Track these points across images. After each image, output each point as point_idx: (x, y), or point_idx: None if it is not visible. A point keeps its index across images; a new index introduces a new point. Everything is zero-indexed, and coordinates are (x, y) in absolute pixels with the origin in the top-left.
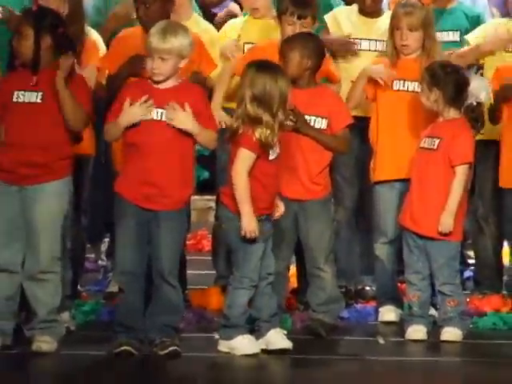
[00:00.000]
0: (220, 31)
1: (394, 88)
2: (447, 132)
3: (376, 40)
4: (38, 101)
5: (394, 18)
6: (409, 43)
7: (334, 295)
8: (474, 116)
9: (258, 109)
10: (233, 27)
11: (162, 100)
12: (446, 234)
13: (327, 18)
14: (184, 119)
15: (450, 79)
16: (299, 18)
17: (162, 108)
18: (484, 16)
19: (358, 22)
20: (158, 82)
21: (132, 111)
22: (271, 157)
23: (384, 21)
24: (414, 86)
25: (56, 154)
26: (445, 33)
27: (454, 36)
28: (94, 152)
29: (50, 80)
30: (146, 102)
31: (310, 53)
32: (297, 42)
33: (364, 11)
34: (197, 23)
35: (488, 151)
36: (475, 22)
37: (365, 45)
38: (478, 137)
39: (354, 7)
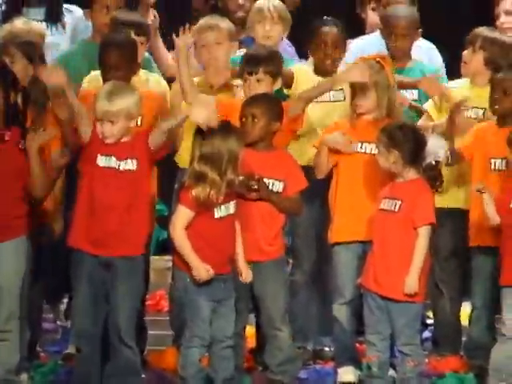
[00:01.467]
0: None
1: (356, 150)
2: (407, 194)
3: (334, 101)
4: None
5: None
6: (361, 103)
7: (291, 355)
8: (433, 175)
9: (204, 167)
10: None
11: (119, 151)
12: (410, 295)
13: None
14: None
15: (408, 140)
16: (250, 74)
17: (118, 159)
18: (441, 70)
19: (315, 82)
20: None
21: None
22: (217, 215)
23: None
24: (371, 148)
25: (14, 214)
26: (403, 91)
27: (413, 94)
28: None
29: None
30: None
31: (277, 115)
32: (263, 104)
33: (320, 70)
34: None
35: (445, 217)
36: None
37: (324, 97)
38: (439, 204)
39: (309, 66)
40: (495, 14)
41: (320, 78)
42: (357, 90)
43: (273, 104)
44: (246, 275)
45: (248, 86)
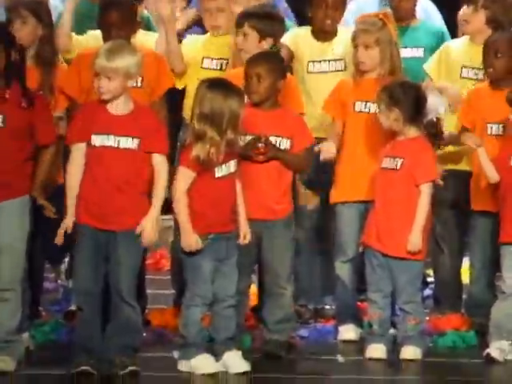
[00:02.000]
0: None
1: (356, 109)
2: (409, 151)
3: (334, 60)
4: (0, 124)
5: (352, 35)
6: (364, 60)
7: (289, 314)
8: (434, 132)
9: (204, 126)
10: (192, 42)
11: (117, 127)
12: (413, 253)
13: (287, 38)
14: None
15: (408, 97)
16: (237, 26)
17: (119, 135)
18: (447, 34)
19: (314, 46)
20: (107, 102)
21: None
22: (218, 174)
23: (339, 41)
24: (375, 108)
25: (18, 174)
26: (408, 49)
27: (417, 52)
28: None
29: (13, 97)
30: None
31: (282, 74)
32: (269, 63)
33: (318, 34)
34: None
35: (447, 177)
36: (438, 38)
37: (324, 66)
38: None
39: (308, 32)
40: None
41: (319, 43)
42: (359, 47)
43: (276, 62)
44: (245, 236)
45: (243, 41)
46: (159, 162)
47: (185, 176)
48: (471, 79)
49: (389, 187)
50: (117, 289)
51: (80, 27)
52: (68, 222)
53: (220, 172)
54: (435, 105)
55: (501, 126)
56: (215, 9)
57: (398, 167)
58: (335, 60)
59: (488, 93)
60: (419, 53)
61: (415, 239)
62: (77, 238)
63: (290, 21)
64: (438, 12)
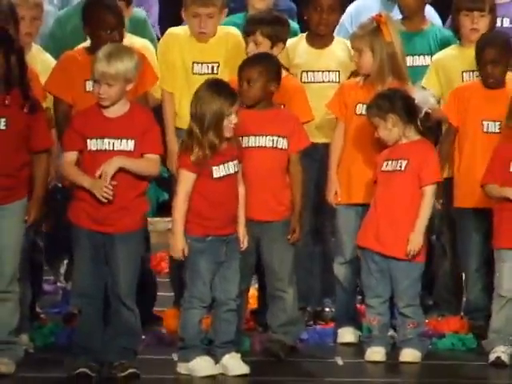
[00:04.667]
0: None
1: (357, 112)
2: (413, 153)
3: (329, 71)
4: (2, 127)
5: (349, 40)
6: (359, 64)
7: (294, 317)
8: (430, 125)
9: (192, 124)
10: (175, 46)
11: (111, 129)
12: (413, 253)
13: None
14: (108, 168)
15: (396, 100)
16: (247, 34)
17: (114, 137)
18: (454, 39)
19: (308, 54)
20: (105, 107)
21: (89, 184)
22: (215, 175)
23: (333, 50)
24: None
25: (19, 177)
26: (416, 57)
27: (424, 60)
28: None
29: (14, 101)
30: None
31: (274, 76)
32: (261, 65)
33: (313, 39)
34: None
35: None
36: (445, 45)
37: (318, 77)
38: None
39: (302, 39)
40: None
41: (314, 50)
42: (354, 52)
43: (269, 64)
44: (242, 243)
45: (246, 47)
46: (151, 161)
47: (185, 178)
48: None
49: (392, 188)
50: (115, 291)
51: (75, 39)
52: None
53: (218, 173)
54: (425, 97)
55: (497, 123)
56: (206, 15)
57: (402, 168)
58: (329, 71)
59: (480, 91)
60: (426, 61)
61: (416, 239)
62: (75, 241)
63: (293, 22)
64: (438, 17)
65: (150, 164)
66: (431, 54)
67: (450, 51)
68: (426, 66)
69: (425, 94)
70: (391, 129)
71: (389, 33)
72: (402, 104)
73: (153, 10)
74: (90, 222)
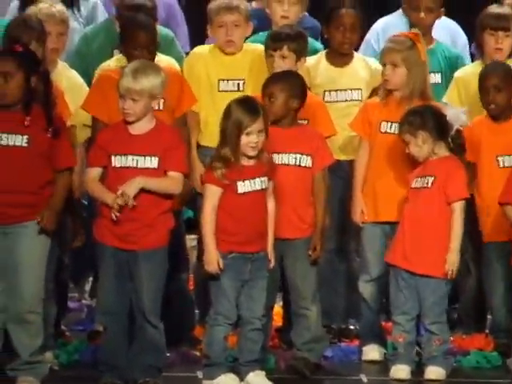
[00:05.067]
0: (185, 63)
1: (381, 130)
2: (441, 170)
3: (352, 89)
4: (24, 144)
5: (381, 53)
6: (389, 78)
7: (318, 334)
8: (461, 142)
9: (220, 142)
10: (201, 62)
11: (136, 146)
12: (451, 272)
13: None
14: (128, 189)
15: (428, 117)
16: (274, 50)
17: (138, 155)
18: (463, 58)
19: (330, 73)
20: (131, 123)
21: (112, 201)
22: (240, 190)
23: (354, 68)
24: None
25: (41, 194)
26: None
27: (435, 78)
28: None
29: (36, 121)
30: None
31: (296, 93)
32: (283, 82)
33: (334, 57)
34: None
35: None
36: (453, 63)
37: (341, 96)
38: None
39: (322, 58)
40: None
41: (335, 69)
42: (387, 65)
43: (292, 81)
44: (271, 259)
45: (271, 62)
46: (174, 180)
47: (211, 193)
48: None
49: (419, 205)
50: (140, 308)
51: (101, 56)
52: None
53: (243, 188)
54: (456, 115)
55: None
56: (232, 23)
57: (429, 185)
58: (351, 89)
59: (490, 126)
60: (436, 78)
61: (454, 258)
62: (99, 258)
63: (316, 42)
64: (462, 32)
65: (172, 182)
66: (441, 71)
67: (472, 68)
68: (438, 84)
69: (456, 112)
70: (421, 146)
71: (424, 52)
72: (433, 121)
73: (180, 30)
74: (114, 239)
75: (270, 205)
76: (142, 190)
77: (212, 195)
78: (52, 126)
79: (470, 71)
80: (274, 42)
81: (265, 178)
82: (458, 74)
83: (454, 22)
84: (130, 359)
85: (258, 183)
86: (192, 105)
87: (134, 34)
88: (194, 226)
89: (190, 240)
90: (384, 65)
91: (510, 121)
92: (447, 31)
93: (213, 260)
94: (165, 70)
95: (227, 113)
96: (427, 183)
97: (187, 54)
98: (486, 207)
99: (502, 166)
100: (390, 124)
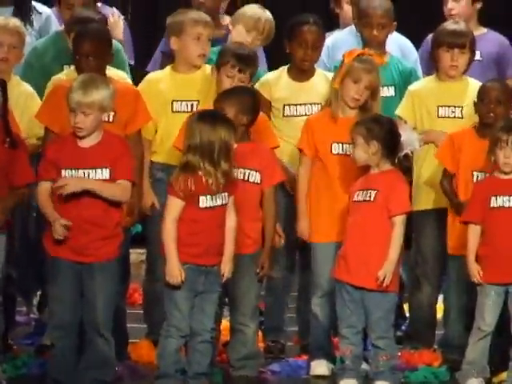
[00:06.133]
0: (142, 85)
1: (333, 152)
2: (383, 183)
3: (312, 104)
4: None
5: (351, 71)
6: (359, 98)
7: (254, 351)
8: (408, 165)
9: (195, 157)
10: (162, 82)
11: (86, 160)
12: (382, 284)
13: (259, 85)
14: (73, 183)
15: (386, 131)
16: (239, 71)
17: (88, 168)
18: (416, 71)
19: (290, 87)
20: (82, 137)
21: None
22: (202, 204)
23: (315, 83)
24: (345, 149)
25: None
26: (381, 88)
27: (389, 91)
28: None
29: None
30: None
31: (246, 108)
32: (233, 97)
33: (296, 73)
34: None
35: (433, 217)
36: (407, 76)
37: (300, 110)
38: (428, 206)
39: (283, 72)
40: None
41: (295, 83)
42: (358, 83)
43: (242, 97)
44: (224, 271)
45: (231, 82)
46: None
47: (174, 205)
48: (449, 117)
49: (362, 218)
50: (93, 322)
51: (58, 62)
52: (59, 222)
53: (205, 203)
54: (410, 139)
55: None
56: (206, 36)
57: (372, 199)
58: (311, 104)
59: (472, 140)
60: (390, 92)
61: (388, 267)
62: (54, 272)
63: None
64: (412, 48)
65: (119, 189)
66: (395, 84)
67: (427, 83)
68: (392, 97)
69: (412, 137)
70: (370, 154)
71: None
72: (390, 137)
73: (126, 43)
74: (69, 252)
75: (231, 219)
76: (93, 200)
77: (174, 207)
78: (10, 137)
79: (424, 86)
80: (242, 64)
81: (226, 194)
82: (412, 87)
83: (405, 38)
84: (78, 372)
85: (219, 198)
86: (146, 122)
87: (82, 42)
88: (142, 240)
89: (138, 254)
90: (354, 82)
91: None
92: (397, 47)
93: (175, 272)
94: (119, 83)
95: (208, 129)
96: (369, 197)
97: (131, 66)
98: (451, 221)
99: (476, 180)
100: (341, 145)
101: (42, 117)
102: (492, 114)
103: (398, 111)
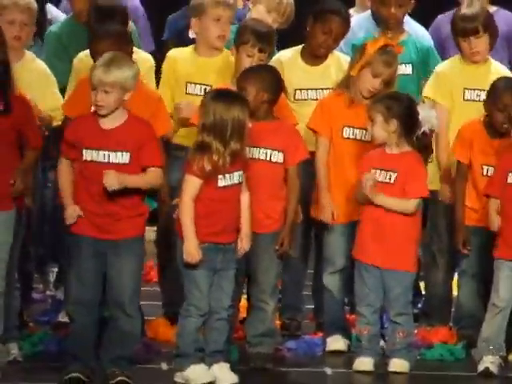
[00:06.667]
0: (165, 66)
1: (344, 136)
2: (402, 165)
3: (323, 89)
4: None
5: (372, 64)
6: (375, 91)
7: (271, 328)
8: (426, 144)
9: (208, 137)
10: (180, 62)
11: (107, 141)
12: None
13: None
14: (115, 180)
15: (405, 109)
16: (260, 51)
17: (109, 149)
18: (433, 49)
19: (303, 71)
20: (103, 116)
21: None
22: (220, 184)
23: (329, 67)
24: (362, 135)
25: (5, 185)
26: (398, 66)
27: (406, 69)
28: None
29: None
30: None
31: (267, 86)
32: (254, 75)
33: (309, 57)
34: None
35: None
36: (425, 55)
37: (311, 94)
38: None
39: (297, 54)
40: None
41: (308, 67)
42: (377, 78)
43: (263, 74)
44: (242, 246)
45: (251, 61)
46: (153, 174)
47: (192, 184)
48: (474, 101)
49: None
50: (118, 300)
51: (67, 50)
52: (73, 208)
53: (223, 182)
54: (429, 117)
55: None
56: (227, 18)
57: (392, 181)
58: (323, 89)
59: (484, 138)
60: (408, 70)
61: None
62: (74, 249)
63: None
64: (427, 35)
65: (152, 177)
66: (412, 63)
67: (453, 64)
68: (408, 75)
69: (429, 114)
70: (389, 132)
71: None
72: (409, 114)
73: (144, 31)
74: (93, 229)
75: (245, 197)
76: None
77: (192, 186)
78: (3, 100)
79: (450, 67)
80: (263, 43)
81: (241, 172)
82: (439, 68)
83: (419, 25)
84: (101, 349)
85: (235, 177)
86: (165, 132)
87: (104, 44)
88: (157, 217)
89: (154, 232)
90: (374, 76)
91: (503, 139)
92: (412, 33)
93: (193, 251)
94: (143, 85)
95: (221, 108)
96: (390, 178)
97: (152, 52)
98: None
99: (485, 174)
100: (352, 130)
101: (67, 108)
102: (506, 126)
103: (424, 91)
